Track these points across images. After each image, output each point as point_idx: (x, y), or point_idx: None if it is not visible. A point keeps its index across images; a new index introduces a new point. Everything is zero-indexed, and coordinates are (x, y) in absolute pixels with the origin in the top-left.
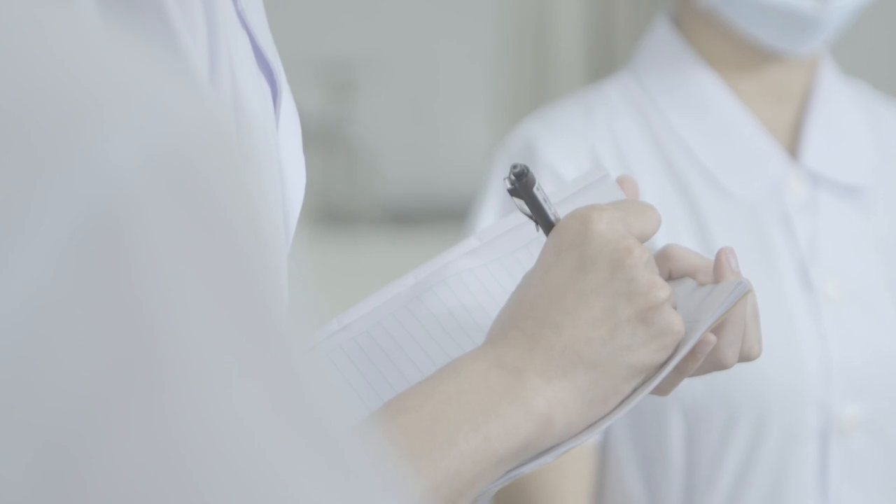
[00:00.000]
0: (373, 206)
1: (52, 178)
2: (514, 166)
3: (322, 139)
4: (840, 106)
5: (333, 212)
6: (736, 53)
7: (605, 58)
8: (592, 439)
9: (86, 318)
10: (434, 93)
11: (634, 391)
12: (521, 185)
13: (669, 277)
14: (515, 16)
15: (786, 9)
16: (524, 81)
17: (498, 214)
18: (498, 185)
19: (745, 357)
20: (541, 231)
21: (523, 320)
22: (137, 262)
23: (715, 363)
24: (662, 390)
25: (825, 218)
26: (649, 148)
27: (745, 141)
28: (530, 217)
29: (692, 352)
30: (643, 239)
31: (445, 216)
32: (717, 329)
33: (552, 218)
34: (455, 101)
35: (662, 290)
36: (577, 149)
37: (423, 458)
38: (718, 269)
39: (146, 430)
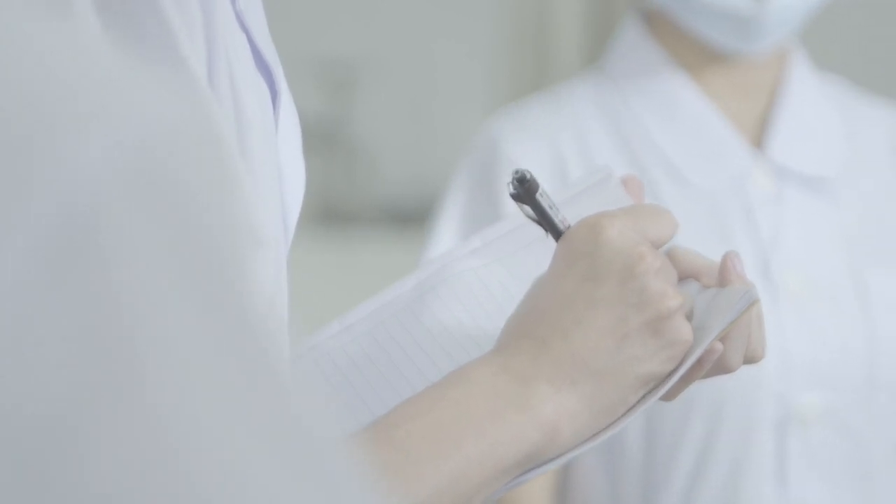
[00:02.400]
0: (371, 205)
1: (27, 176)
2: (516, 171)
3: (321, 139)
4: (810, 99)
5: (332, 211)
6: (698, 51)
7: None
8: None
9: (61, 316)
10: (433, 92)
11: (641, 399)
12: (524, 190)
13: None
14: (515, 15)
15: (724, 9)
16: (523, 81)
17: (461, 213)
18: (461, 185)
19: (748, 360)
20: (549, 236)
21: (532, 327)
22: (110, 259)
23: (719, 367)
24: (668, 396)
25: (790, 211)
26: (616, 146)
27: (709, 134)
28: (537, 222)
29: (699, 360)
30: (658, 245)
31: None
32: (722, 336)
33: (560, 224)
34: (454, 100)
35: (673, 300)
36: (540, 148)
37: (427, 463)
38: (724, 274)
39: (120, 426)
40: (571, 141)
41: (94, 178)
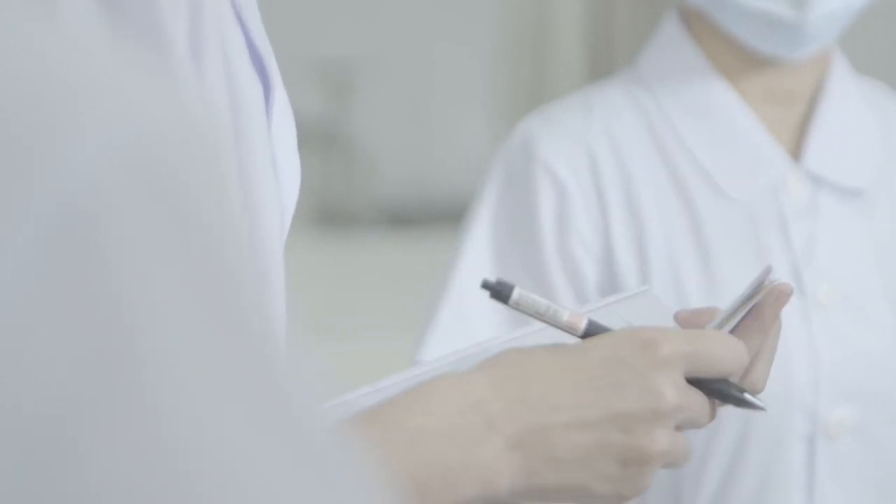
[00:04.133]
0: (370, 206)
1: (27, 176)
2: (484, 283)
3: (319, 139)
4: (849, 107)
5: (331, 212)
6: (737, 55)
7: (605, 58)
8: None
9: (62, 314)
10: (432, 93)
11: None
12: (503, 300)
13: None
14: (515, 16)
15: (766, 16)
16: (523, 81)
17: (494, 214)
18: (493, 189)
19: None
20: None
21: (527, 384)
22: (111, 256)
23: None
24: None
25: (824, 221)
26: (649, 149)
27: (746, 143)
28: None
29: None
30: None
31: (443, 217)
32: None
33: (567, 323)
34: (453, 101)
35: (660, 447)
36: (573, 149)
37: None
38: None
39: (121, 426)
40: (605, 144)
41: (91, 176)
